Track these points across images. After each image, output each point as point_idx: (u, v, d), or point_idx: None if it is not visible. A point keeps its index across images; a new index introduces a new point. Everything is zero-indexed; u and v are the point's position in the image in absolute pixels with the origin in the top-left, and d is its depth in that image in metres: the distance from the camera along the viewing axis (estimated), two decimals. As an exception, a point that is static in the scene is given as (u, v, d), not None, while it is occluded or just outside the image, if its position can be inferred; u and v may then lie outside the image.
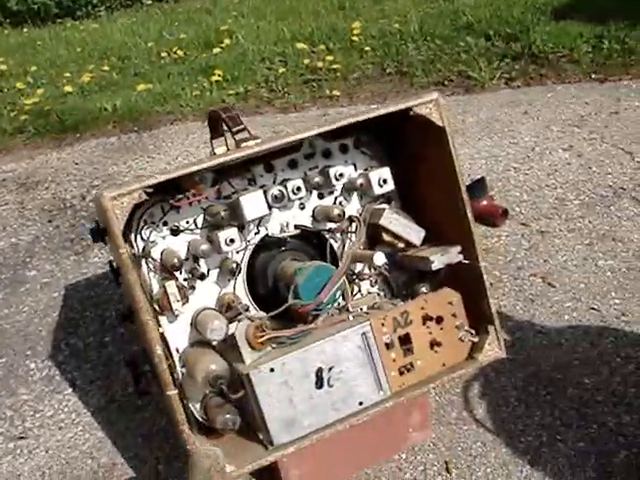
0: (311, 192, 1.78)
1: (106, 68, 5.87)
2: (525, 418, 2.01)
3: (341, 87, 4.87)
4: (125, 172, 3.95)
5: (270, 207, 1.66)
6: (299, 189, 1.69)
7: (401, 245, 1.78)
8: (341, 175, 1.73)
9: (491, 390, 2.12)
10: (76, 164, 4.12)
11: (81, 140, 4.52)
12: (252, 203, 1.60)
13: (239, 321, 1.62)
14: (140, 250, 1.62)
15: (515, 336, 2.32)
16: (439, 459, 1.93)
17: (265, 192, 1.64)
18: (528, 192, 3.21)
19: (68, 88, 5.34)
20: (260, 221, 1.71)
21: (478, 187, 2.97)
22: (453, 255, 1.71)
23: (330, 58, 5.25)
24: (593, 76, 4.51)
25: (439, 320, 1.71)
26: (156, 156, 4.12)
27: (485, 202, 2.96)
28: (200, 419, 1.71)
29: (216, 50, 5.88)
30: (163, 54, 6.06)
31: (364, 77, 5.03)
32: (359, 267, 1.83)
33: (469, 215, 1.67)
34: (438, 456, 1.94)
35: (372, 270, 1.81)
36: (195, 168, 1.48)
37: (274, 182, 1.74)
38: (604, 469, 1.83)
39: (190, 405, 1.69)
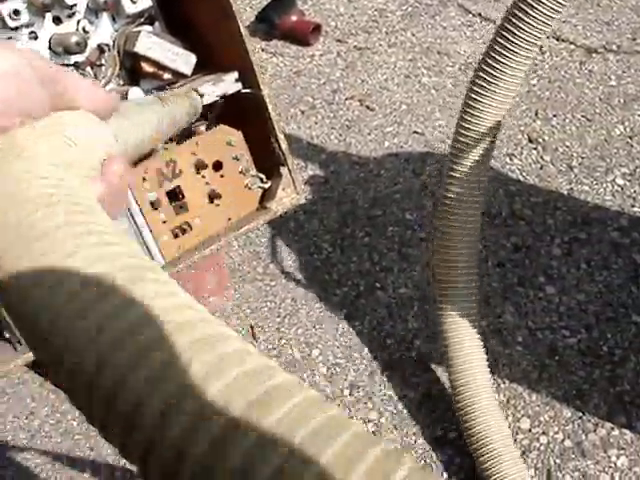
0: (43, 17, 1.35)
1: None
2: (341, 266, 1.76)
3: None
4: None
5: (-17, 40, 1.23)
6: (18, 13, 1.26)
7: (168, 76, 1.40)
8: (76, -10, 1.31)
9: (302, 236, 1.84)
10: None
11: None
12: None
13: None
14: None
15: (329, 170, 2.03)
16: (243, 324, 1.66)
17: (-32, 20, 1.21)
18: (345, 4, 2.84)
19: None
20: (-28, 57, 1.28)
21: (285, 1, 2.59)
22: (228, 84, 1.36)
23: None
24: None
25: (217, 166, 1.37)
26: None
27: (294, 18, 2.58)
28: None
29: None
30: None
31: None
32: (119, 106, 1.44)
33: (243, 33, 1.31)
34: (242, 321, 1.67)
35: (134, 109, 1.44)
36: None
37: (-14, 5, 1.30)
38: (427, 315, 1.62)
39: None
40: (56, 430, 1.53)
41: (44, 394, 1.60)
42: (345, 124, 2.20)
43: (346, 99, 2.32)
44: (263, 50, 2.57)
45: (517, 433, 1.40)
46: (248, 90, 1.38)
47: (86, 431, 1.51)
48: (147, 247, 1.33)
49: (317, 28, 2.59)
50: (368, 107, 2.26)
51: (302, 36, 2.57)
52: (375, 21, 2.71)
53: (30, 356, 1.31)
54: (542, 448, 1.37)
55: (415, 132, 2.14)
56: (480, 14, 2.69)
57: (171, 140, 1.51)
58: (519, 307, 1.61)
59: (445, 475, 1.35)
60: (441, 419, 1.43)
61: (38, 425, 1.54)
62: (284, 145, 1.41)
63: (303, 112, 2.27)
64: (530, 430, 1.40)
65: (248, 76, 1.37)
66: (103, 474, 1.44)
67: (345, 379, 1.53)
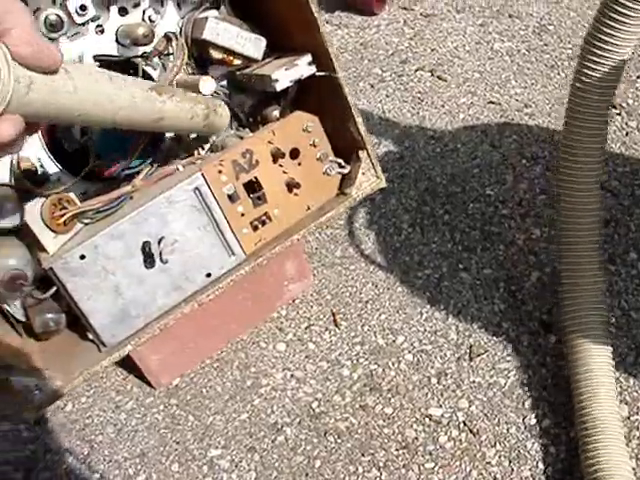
0: (108, 9, 1.32)
1: None
2: (421, 247, 1.71)
3: None
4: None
5: (49, 39, 1.21)
6: (84, 8, 1.23)
7: (238, 62, 1.36)
8: (140, -19, 1.27)
9: (380, 217, 1.80)
10: None
11: None
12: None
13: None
14: None
15: (404, 146, 1.97)
16: (325, 310, 1.63)
17: (34, 20, 1.19)
18: (409, -31, 2.76)
19: None
20: (42, 58, 1.26)
21: (348, -31, 2.52)
22: (302, 68, 1.31)
23: None
24: None
25: (294, 154, 1.33)
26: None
27: (359, -14, 2.52)
28: (25, 320, 1.34)
29: None
30: None
31: None
32: (190, 97, 1.41)
33: (315, 12, 1.25)
34: (323, 307, 1.64)
35: (206, 99, 1.40)
36: None
37: (54, 2, 1.27)
38: (514, 297, 1.56)
39: (7, 306, 1.31)
40: (142, 424, 1.53)
41: (128, 387, 1.59)
42: (417, 96, 2.14)
43: (416, 70, 2.25)
44: (327, 22, 2.51)
45: (615, 419, 1.34)
46: (323, 73, 1.33)
47: (172, 424, 1.51)
48: (226, 241, 1.29)
49: (382, -4, 2.52)
50: (440, 77, 2.19)
51: (367, 5, 2.50)
52: (441, -15, 2.63)
53: (116, 357, 1.30)
54: (643, 436, 1.31)
55: (490, 102, 2.06)
56: (551, -29, 2.58)
57: (244, 127, 1.47)
58: (611, 286, 1.54)
59: (541, 466, 1.30)
60: (533, 407, 1.38)
61: (124, 419, 1.54)
62: (362, 128, 1.36)
63: (372, 86, 2.21)
64: (629, 417, 1.34)
65: (322, 58, 1.32)
66: (191, 467, 1.44)
67: (432, 366, 1.49)
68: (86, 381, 1.29)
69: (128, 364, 1.58)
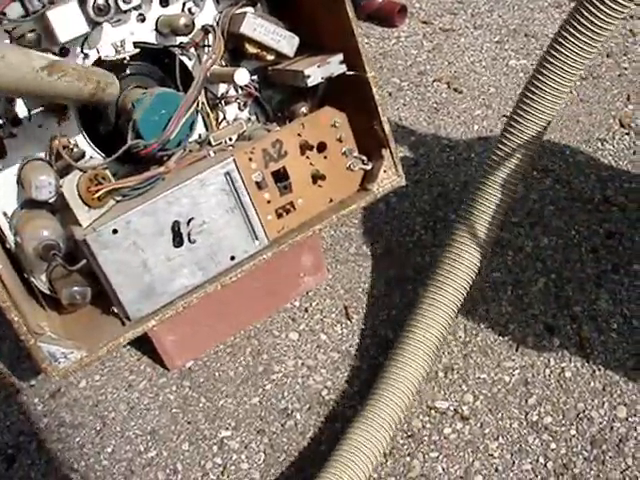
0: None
1: None
2: (433, 248, 1.76)
3: None
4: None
5: (94, 23, 1.27)
6: (130, -5, 1.30)
7: (271, 57, 1.42)
8: (184, -27, 1.33)
9: (393, 218, 1.86)
10: None
11: None
12: (64, 19, 1.20)
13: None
14: None
15: (419, 153, 2.03)
16: (337, 304, 1.69)
17: (84, 3, 1.25)
18: (430, -15, 2.84)
19: None
20: (85, 41, 1.32)
21: (372, -19, 2.59)
22: (333, 66, 1.37)
23: None
24: None
25: (321, 147, 1.39)
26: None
27: (381, -1, 2.59)
28: (49, 292, 1.39)
29: None
30: None
31: None
32: (223, 88, 1.47)
33: (350, 14, 1.31)
34: (336, 300, 1.69)
35: (238, 91, 1.46)
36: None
37: (101, -11, 1.33)
38: (521, 301, 1.62)
39: (33, 278, 1.36)
40: (154, 403, 1.57)
41: (141, 368, 1.64)
42: (433, 106, 2.20)
43: (433, 81, 2.31)
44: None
45: (614, 421, 1.39)
46: (353, 72, 1.39)
47: (184, 405, 1.55)
48: (252, 226, 1.35)
49: (403, 9, 2.59)
50: (456, 90, 2.25)
51: (388, 17, 2.57)
52: (460, 2, 2.70)
53: (139, 331, 1.35)
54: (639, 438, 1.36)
55: (504, 116, 2.12)
56: (568, -6, 2.65)
57: (271, 121, 1.53)
58: (614, 294, 1.59)
59: (541, 460, 1.35)
60: (536, 405, 1.43)
61: (137, 398, 1.59)
62: (387, 128, 1.42)
63: (390, 94, 2.28)
64: (627, 419, 1.39)
65: (353, 58, 1.38)
66: (201, 446, 1.48)
67: (440, 361, 1.54)
68: (109, 353, 1.34)
69: (142, 346, 1.63)
